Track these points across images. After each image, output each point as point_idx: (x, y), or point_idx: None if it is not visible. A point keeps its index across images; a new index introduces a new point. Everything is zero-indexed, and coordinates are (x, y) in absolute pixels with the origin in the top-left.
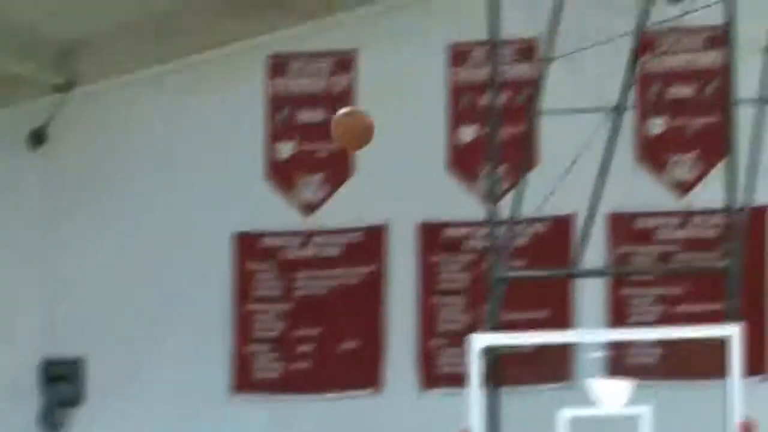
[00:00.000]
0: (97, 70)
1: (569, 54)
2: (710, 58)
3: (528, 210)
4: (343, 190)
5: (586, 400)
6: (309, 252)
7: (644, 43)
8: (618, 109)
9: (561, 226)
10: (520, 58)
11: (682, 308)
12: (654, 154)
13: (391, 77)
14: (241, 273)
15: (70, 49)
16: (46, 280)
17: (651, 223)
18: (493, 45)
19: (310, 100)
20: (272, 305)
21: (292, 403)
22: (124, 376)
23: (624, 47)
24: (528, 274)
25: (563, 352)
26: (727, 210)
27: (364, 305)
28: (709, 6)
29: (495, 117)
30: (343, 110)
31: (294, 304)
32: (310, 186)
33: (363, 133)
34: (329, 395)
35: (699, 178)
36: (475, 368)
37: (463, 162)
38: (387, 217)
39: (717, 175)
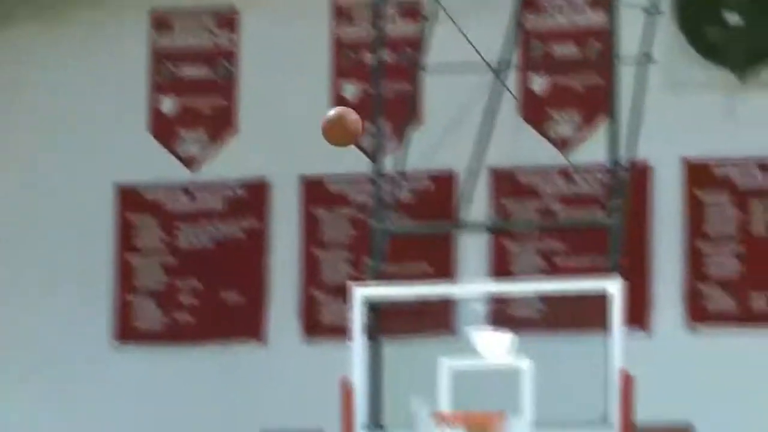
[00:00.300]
0: None
1: (452, 12)
2: (593, 18)
3: (412, 165)
4: (226, 145)
5: (467, 352)
6: (192, 205)
7: (528, 2)
8: (501, 67)
9: (444, 181)
10: (404, 16)
11: (565, 263)
12: (537, 111)
13: (275, 34)
14: (123, 224)
15: None
16: None
17: (534, 179)
18: (377, 3)
19: (193, 56)
20: (155, 257)
21: (175, 354)
22: (5, 323)
23: (507, 6)
24: (410, 228)
25: (445, 304)
26: (610, 167)
27: (246, 258)
28: None
29: (378, 74)
30: (332, 113)
31: (176, 256)
32: (193, 140)
33: (353, 132)
34: (212, 346)
35: (582, 136)
36: (357, 320)
37: None
38: (270, 172)
39: (600, 132)
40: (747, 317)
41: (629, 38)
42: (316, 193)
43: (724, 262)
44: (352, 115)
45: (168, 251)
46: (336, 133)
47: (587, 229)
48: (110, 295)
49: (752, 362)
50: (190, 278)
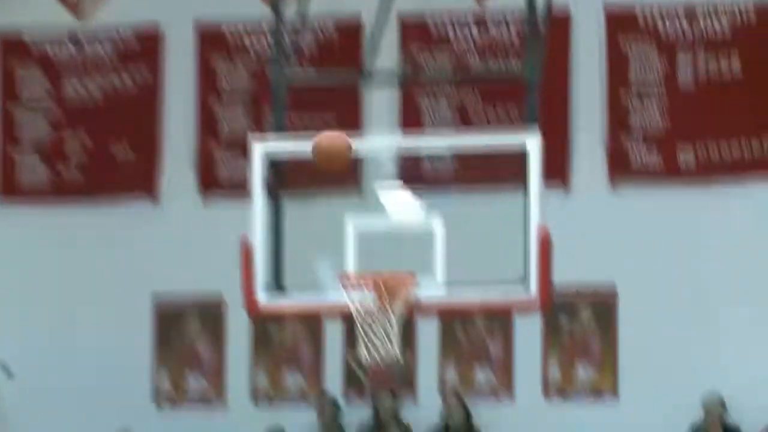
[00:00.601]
0: None
1: None
2: None
3: (316, 11)
4: None
5: (375, 210)
6: (80, 56)
7: None
8: None
9: (350, 30)
10: None
11: (479, 116)
12: None
13: None
14: (5, 74)
15: None
16: None
17: (446, 27)
18: None
19: None
20: (40, 109)
21: (64, 213)
22: None
23: None
24: (313, 78)
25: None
26: (527, 13)
27: (138, 111)
28: None
29: None
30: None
31: (63, 109)
32: None
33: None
34: (102, 204)
35: None
36: (257, 175)
37: None
38: (164, 19)
39: None
40: (672, 173)
41: None
42: (213, 41)
43: (649, 116)
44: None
45: (54, 103)
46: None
47: (503, 81)
48: None
49: (677, 220)
50: (78, 132)
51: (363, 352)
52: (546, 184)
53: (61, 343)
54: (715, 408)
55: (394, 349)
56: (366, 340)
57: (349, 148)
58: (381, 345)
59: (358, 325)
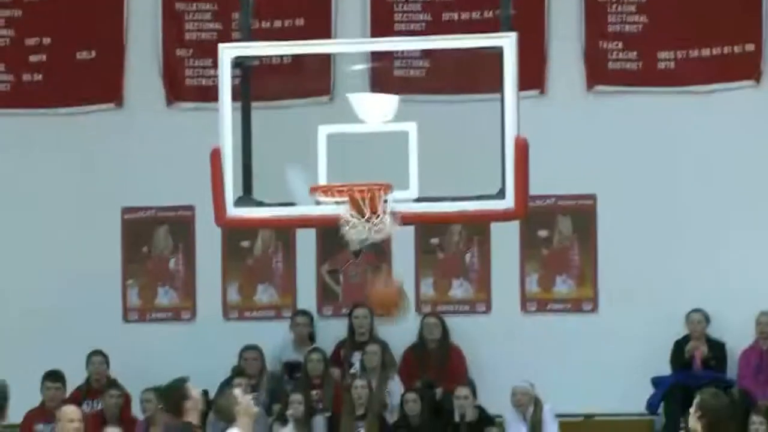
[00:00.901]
0: None
1: None
2: None
3: None
4: None
5: (347, 117)
6: None
7: None
8: None
9: None
10: None
11: (453, 16)
12: None
13: None
14: None
15: None
16: None
17: None
18: None
19: None
20: (2, 14)
21: (24, 119)
22: None
23: None
24: None
25: (322, 63)
26: None
27: (102, 12)
28: None
29: None
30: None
31: (24, 10)
32: None
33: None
34: (64, 110)
35: None
36: (225, 81)
37: None
38: None
39: None
40: (650, 77)
41: None
42: None
43: (627, 17)
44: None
45: (14, 4)
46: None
47: None
48: None
49: (656, 125)
50: (39, 34)
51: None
52: (521, 88)
53: (26, 259)
54: (698, 323)
55: (370, 260)
56: (341, 249)
57: (401, 293)
58: (356, 255)
59: (334, 235)
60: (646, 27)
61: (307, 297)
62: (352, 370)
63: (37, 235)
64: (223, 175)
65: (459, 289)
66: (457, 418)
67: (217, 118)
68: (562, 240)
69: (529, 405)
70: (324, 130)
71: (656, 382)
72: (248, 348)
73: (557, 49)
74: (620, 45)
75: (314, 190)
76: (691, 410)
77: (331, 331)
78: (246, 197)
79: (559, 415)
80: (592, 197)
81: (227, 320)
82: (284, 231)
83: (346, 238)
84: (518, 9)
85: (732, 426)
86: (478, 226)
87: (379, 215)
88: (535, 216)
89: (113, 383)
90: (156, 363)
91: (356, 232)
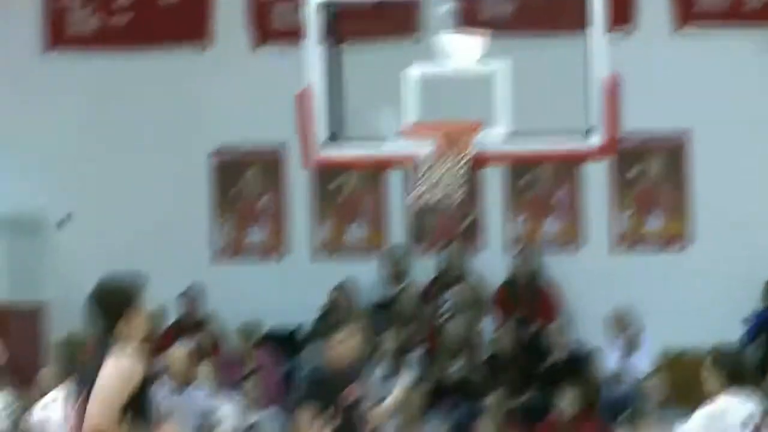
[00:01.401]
0: None
1: None
2: None
3: None
4: None
5: (434, 57)
6: None
7: None
8: None
9: None
10: None
11: None
12: None
13: None
14: None
15: None
16: None
17: None
18: None
19: None
20: None
21: (111, 61)
22: None
23: None
24: None
25: (409, 4)
26: None
27: None
28: None
29: None
30: None
31: None
32: None
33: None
34: (152, 51)
35: None
36: (312, 23)
37: None
38: None
39: None
40: (737, 15)
41: None
42: None
43: None
44: None
45: None
46: None
47: None
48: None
49: (743, 64)
50: None
51: (429, 201)
52: (609, 28)
53: (116, 202)
54: None
55: (461, 199)
56: (432, 189)
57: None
58: (447, 194)
59: (423, 175)
60: None
61: (397, 235)
62: (444, 307)
63: (127, 177)
64: (311, 117)
65: (549, 227)
66: (550, 354)
67: (303, 60)
68: (653, 177)
69: (626, 329)
70: (412, 70)
71: (748, 319)
72: (339, 286)
73: None
74: None
75: (404, 128)
76: None
77: (422, 269)
78: (334, 138)
79: None
80: (687, 133)
81: (317, 259)
82: (374, 170)
83: (431, 178)
84: None
85: None
86: (568, 164)
87: (467, 154)
88: (626, 153)
89: (205, 321)
90: (247, 302)
91: (444, 173)
